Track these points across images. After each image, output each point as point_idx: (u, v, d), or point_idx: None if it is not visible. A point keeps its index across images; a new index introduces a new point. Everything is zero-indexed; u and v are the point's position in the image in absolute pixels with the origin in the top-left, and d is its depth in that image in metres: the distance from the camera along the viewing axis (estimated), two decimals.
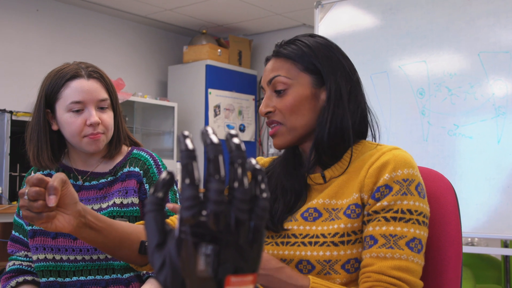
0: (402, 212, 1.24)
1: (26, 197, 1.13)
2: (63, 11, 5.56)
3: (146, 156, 1.79)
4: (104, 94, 1.73)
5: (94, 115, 1.69)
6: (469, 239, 3.92)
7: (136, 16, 6.01)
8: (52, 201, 1.12)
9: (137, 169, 1.75)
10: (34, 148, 1.73)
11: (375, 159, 1.30)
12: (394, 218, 1.24)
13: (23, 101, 5.08)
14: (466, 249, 3.17)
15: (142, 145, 1.89)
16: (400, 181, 1.26)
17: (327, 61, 1.36)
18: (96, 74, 1.74)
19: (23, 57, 5.20)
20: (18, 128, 4.14)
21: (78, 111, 1.69)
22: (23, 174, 4.09)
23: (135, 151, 1.82)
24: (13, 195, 4.01)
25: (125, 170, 1.76)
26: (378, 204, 1.26)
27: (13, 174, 4.03)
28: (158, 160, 1.80)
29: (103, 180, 1.77)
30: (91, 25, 5.80)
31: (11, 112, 4.12)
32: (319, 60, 1.35)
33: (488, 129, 3.01)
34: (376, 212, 1.26)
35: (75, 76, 1.70)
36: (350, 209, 1.28)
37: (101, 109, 1.73)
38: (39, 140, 1.72)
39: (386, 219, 1.24)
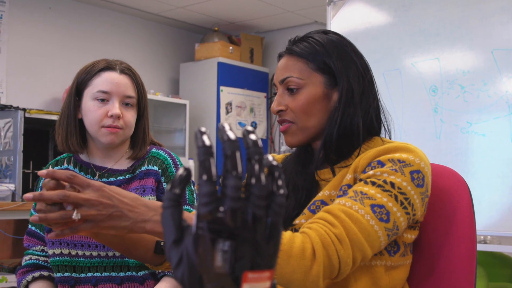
0: (384, 182, 1.19)
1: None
2: (76, 8, 5.57)
3: (165, 155, 1.80)
4: (131, 92, 1.76)
5: (116, 108, 1.71)
6: (482, 237, 3.89)
7: (148, 14, 6.02)
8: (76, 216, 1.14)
9: (155, 168, 1.76)
10: (63, 132, 1.76)
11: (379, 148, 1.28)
12: (373, 183, 1.19)
13: (36, 98, 5.11)
14: (478, 247, 3.13)
15: (163, 145, 1.90)
16: (395, 161, 1.21)
17: (340, 61, 1.34)
18: (129, 71, 1.78)
19: (36, 55, 5.22)
20: (31, 126, 4.14)
21: (103, 101, 1.72)
22: (36, 171, 4.09)
23: (153, 150, 1.83)
24: (26, 192, 3.98)
25: (144, 168, 1.77)
26: (365, 174, 1.23)
27: (26, 171, 4.04)
28: (177, 159, 1.81)
29: (121, 177, 1.78)
30: (103, 23, 5.81)
31: (24, 110, 4.12)
32: (332, 59, 1.33)
33: (501, 127, 2.99)
34: (360, 180, 1.23)
35: (108, 68, 1.76)
36: (342, 190, 1.26)
37: (125, 105, 1.75)
38: (68, 124, 1.76)
39: (365, 182, 1.21)
